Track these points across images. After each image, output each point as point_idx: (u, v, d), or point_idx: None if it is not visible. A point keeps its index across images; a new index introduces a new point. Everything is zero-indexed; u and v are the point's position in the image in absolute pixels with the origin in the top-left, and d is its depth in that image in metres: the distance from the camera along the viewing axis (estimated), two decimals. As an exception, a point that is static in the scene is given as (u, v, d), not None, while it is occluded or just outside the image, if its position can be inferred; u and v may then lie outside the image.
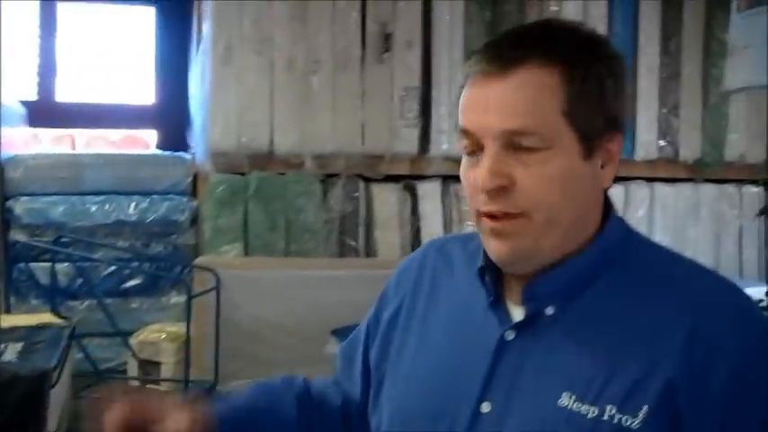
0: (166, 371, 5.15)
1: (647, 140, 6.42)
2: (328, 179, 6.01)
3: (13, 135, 5.80)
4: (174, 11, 6.41)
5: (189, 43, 6.16)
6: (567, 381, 1.19)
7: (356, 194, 6.00)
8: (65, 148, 6.41)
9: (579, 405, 1.16)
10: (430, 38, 6.10)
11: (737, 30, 4.29)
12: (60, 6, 6.39)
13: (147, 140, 6.60)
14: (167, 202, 5.76)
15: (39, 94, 6.34)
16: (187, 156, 5.99)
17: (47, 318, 4.44)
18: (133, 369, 5.21)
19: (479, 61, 1.26)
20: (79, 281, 5.40)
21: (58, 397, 3.70)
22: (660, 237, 6.37)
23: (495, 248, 1.25)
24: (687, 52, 6.51)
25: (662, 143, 6.46)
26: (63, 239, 5.27)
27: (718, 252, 6.64)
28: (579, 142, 1.24)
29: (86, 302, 5.49)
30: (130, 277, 5.62)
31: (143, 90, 6.56)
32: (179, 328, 5.08)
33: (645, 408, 1.13)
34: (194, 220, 5.85)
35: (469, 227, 5.34)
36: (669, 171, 6.57)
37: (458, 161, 1.37)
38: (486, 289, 1.33)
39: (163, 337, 5.21)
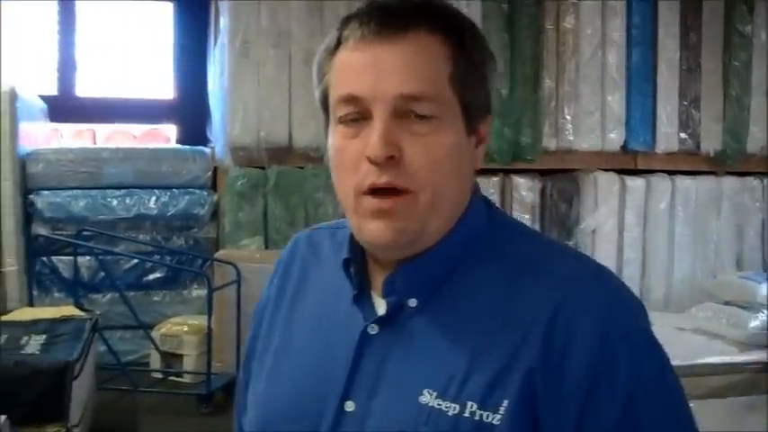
0: (188, 363, 5.18)
1: (667, 133, 6.38)
2: (347, 172, 5.99)
3: (34, 130, 5.83)
4: (191, 6, 6.45)
5: (207, 38, 6.17)
6: (428, 377, 1.12)
7: (374, 187, 5.98)
8: (85, 143, 6.45)
9: (440, 402, 1.10)
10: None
11: None
12: (79, 2, 6.43)
13: (167, 135, 6.62)
14: (188, 195, 5.78)
15: (59, 89, 6.38)
16: (207, 150, 6.01)
17: (69, 310, 4.44)
18: (155, 362, 5.24)
19: (364, 24, 1.16)
20: (101, 274, 5.44)
21: (80, 389, 3.71)
22: (681, 229, 6.34)
23: (377, 230, 1.15)
24: (707, 45, 6.47)
25: (683, 135, 6.42)
26: (85, 233, 5.30)
27: (740, 245, 6.60)
28: (463, 116, 1.18)
29: (108, 295, 5.53)
30: (152, 270, 5.65)
31: (163, 85, 6.58)
32: (201, 320, 5.10)
33: (506, 402, 1.07)
34: (214, 214, 5.88)
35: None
36: (690, 163, 6.52)
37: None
38: (351, 281, 1.24)
39: (185, 329, 5.23)
